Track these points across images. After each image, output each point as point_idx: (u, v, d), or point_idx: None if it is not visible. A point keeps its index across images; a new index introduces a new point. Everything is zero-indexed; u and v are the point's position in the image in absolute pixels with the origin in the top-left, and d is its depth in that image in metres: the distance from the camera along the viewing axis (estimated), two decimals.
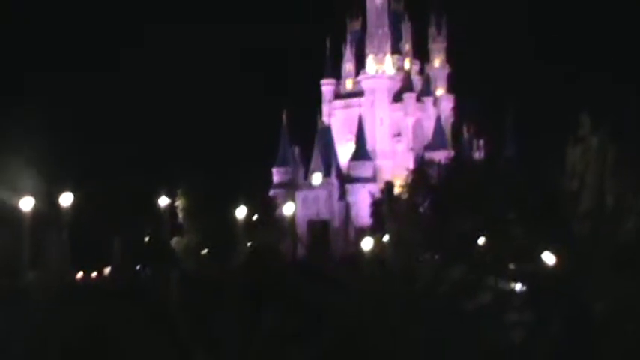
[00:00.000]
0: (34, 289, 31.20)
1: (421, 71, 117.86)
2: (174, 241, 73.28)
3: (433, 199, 79.74)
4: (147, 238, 73.81)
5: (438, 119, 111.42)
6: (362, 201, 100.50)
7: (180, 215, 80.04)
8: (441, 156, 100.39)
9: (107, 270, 55.80)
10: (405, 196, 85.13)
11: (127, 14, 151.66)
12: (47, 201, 41.35)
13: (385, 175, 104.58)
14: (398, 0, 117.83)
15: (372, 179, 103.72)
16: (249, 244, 73.04)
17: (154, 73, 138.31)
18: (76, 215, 40.01)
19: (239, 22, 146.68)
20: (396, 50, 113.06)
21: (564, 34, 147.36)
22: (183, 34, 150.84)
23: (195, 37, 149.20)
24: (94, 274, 57.12)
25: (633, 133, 28.21)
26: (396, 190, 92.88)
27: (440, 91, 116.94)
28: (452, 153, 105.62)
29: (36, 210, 36.74)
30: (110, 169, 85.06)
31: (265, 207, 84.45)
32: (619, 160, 26.46)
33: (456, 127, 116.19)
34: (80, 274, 53.13)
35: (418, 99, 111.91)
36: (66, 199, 37.68)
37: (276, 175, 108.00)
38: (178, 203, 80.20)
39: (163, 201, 64.25)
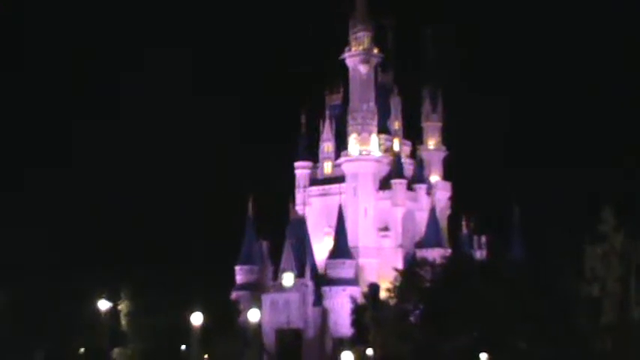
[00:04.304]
0: None
1: (413, 154, 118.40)
2: (116, 352, 72.37)
3: (426, 307, 79.38)
4: (82, 350, 72.79)
5: (432, 211, 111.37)
6: (341, 307, 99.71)
7: (124, 321, 79.24)
8: (435, 254, 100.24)
9: None
10: (392, 302, 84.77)
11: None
12: None
13: (369, 277, 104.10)
14: (386, 71, 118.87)
15: (354, 281, 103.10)
16: (205, 356, 72.23)
17: (104, 154, 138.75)
18: None
19: (199, 94, 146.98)
20: (383, 129, 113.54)
21: (578, 123, 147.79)
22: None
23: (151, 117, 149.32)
24: None
25: None
26: (382, 295, 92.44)
27: (434, 178, 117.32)
28: (448, 251, 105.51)
29: None
30: (39, 263, 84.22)
31: (226, 312, 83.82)
32: None
33: (454, 221, 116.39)
34: None
35: (409, 186, 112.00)
36: None
37: (240, 275, 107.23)
38: (122, 307, 79.50)
39: (104, 304, 63.41)
